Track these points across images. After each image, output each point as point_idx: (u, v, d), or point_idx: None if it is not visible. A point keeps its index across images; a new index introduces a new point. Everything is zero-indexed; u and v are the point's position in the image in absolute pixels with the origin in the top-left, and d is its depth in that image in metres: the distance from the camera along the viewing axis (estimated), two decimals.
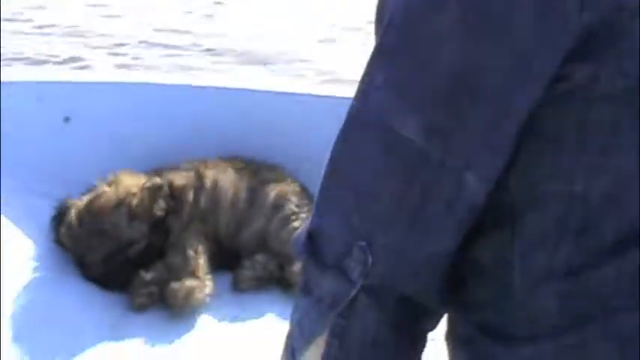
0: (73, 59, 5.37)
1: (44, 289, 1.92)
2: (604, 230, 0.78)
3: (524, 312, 0.81)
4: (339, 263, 0.82)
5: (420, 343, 0.91)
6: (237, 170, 2.26)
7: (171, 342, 1.87)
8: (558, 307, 0.79)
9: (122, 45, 5.76)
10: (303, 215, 2.17)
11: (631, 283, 0.78)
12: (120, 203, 2.05)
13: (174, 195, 2.15)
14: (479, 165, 0.76)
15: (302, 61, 5.41)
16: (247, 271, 2.12)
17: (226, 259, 2.15)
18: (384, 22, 0.79)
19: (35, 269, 1.97)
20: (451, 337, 0.92)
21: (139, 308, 1.97)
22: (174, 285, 1.97)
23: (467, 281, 0.86)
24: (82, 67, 5.18)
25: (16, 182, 2.21)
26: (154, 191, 2.10)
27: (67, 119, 2.38)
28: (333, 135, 0.84)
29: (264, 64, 5.38)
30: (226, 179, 2.23)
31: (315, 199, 0.87)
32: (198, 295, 1.97)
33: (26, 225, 2.08)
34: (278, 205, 2.20)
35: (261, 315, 2.00)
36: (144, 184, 2.10)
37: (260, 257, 2.14)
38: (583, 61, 0.73)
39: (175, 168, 2.24)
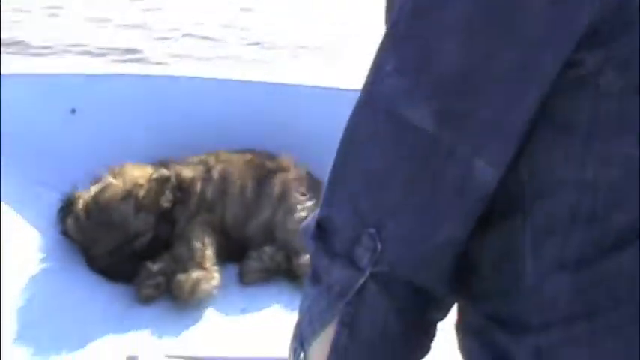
0: (130, 51, 5.38)
1: (51, 281, 1.92)
2: (615, 219, 0.77)
3: (534, 301, 0.80)
4: (348, 251, 0.81)
5: (429, 333, 0.91)
6: (246, 162, 2.26)
7: (178, 333, 1.87)
8: (569, 296, 0.79)
9: (166, 39, 5.75)
10: (309, 205, 2.16)
11: None
12: (127, 195, 2.04)
13: (182, 187, 2.15)
14: (489, 152, 0.76)
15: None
16: (254, 263, 2.11)
17: (233, 251, 2.15)
18: (394, 10, 0.79)
19: (42, 260, 1.97)
20: (461, 326, 0.91)
21: (146, 300, 1.96)
22: (181, 276, 1.96)
23: (477, 270, 0.86)
24: (138, 60, 5.18)
25: (22, 174, 2.21)
26: (161, 183, 2.10)
27: (73, 111, 2.38)
28: (341, 126, 0.83)
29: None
30: (234, 171, 2.22)
31: (324, 187, 0.86)
32: (205, 286, 1.96)
33: (33, 217, 2.08)
34: (284, 195, 2.20)
35: (268, 306, 2.00)
36: (151, 175, 2.10)
37: (267, 249, 2.13)
38: (594, 48, 0.73)
39: (183, 160, 2.23)
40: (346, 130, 0.83)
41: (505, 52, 0.72)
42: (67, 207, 2.09)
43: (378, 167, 0.80)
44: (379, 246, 0.79)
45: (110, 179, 2.09)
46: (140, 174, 2.11)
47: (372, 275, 0.80)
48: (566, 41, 0.72)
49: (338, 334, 0.84)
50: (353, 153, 0.83)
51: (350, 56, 4.81)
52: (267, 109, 2.43)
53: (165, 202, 2.10)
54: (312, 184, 2.25)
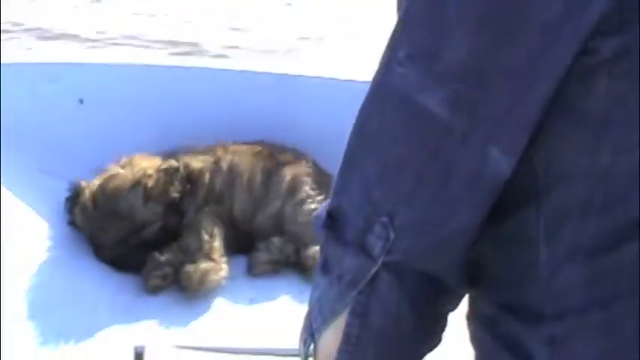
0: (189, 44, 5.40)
1: (58, 271, 1.92)
2: (629, 208, 0.76)
3: (549, 290, 0.79)
4: (360, 240, 0.81)
5: (441, 323, 0.90)
6: (255, 154, 2.25)
7: (186, 324, 1.86)
8: (583, 285, 0.78)
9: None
10: (319, 198, 2.15)
11: None
12: (135, 185, 2.04)
13: (191, 178, 2.14)
14: (503, 140, 0.75)
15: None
16: (263, 255, 2.11)
17: (242, 243, 2.14)
18: None
19: (49, 250, 1.97)
20: (472, 317, 0.90)
21: (153, 290, 1.96)
22: (189, 267, 1.96)
23: (489, 260, 0.85)
24: (197, 52, 5.18)
25: (30, 164, 2.21)
26: (169, 173, 2.09)
27: (81, 101, 2.38)
28: (350, 118, 0.83)
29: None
30: (243, 162, 2.21)
31: (334, 178, 0.86)
32: (214, 277, 1.96)
33: (40, 206, 2.08)
34: (293, 188, 2.19)
35: (276, 298, 1.99)
36: (159, 166, 2.10)
37: (276, 240, 2.13)
38: (609, 36, 0.72)
39: (192, 151, 2.23)
40: (357, 118, 0.82)
41: (518, 39, 0.71)
42: (74, 197, 2.08)
43: (389, 155, 0.79)
44: (392, 235, 0.78)
45: (118, 169, 2.08)
46: (149, 164, 2.10)
47: (385, 264, 0.80)
48: (580, 29, 0.71)
49: (349, 324, 0.83)
50: (364, 141, 0.82)
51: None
52: (276, 100, 2.42)
53: (174, 192, 2.09)
54: (320, 176, 2.24)
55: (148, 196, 2.04)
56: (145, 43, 5.36)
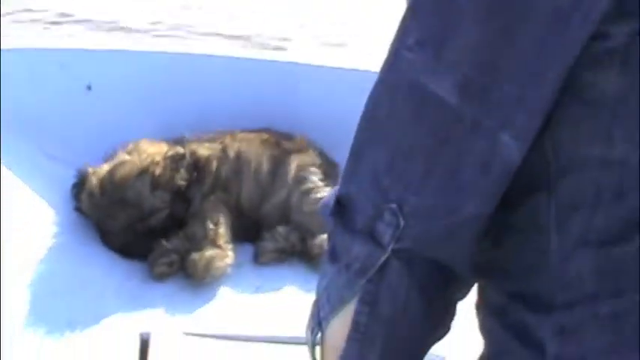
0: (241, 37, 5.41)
1: (64, 257, 1.92)
2: None
3: (559, 279, 0.78)
4: (369, 228, 0.80)
5: (450, 312, 0.90)
6: (262, 142, 2.24)
7: (192, 312, 1.86)
8: (594, 274, 0.77)
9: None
10: (325, 187, 2.15)
11: None
12: (142, 172, 2.03)
13: (197, 165, 2.14)
14: (514, 126, 0.74)
15: None
16: (269, 243, 2.10)
17: (248, 231, 2.14)
18: None
19: (55, 236, 1.97)
20: (482, 306, 0.90)
21: (159, 277, 1.96)
22: (195, 255, 1.96)
23: (499, 248, 0.84)
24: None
25: (37, 150, 2.21)
26: (176, 160, 2.09)
27: (89, 87, 2.37)
28: (359, 107, 0.82)
29: None
30: (250, 150, 2.21)
31: (342, 166, 0.85)
32: (219, 264, 1.96)
33: (47, 192, 2.08)
34: (300, 176, 2.19)
35: (282, 287, 1.99)
36: (166, 152, 2.09)
37: (282, 229, 2.12)
38: (621, 20, 0.71)
39: (199, 138, 2.22)
40: (366, 105, 0.82)
41: (529, 24, 0.71)
42: (81, 183, 2.08)
43: (399, 142, 0.79)
44: (401, 222, 0.78)
45: (125, 155, 2.08)
46: (155, 151, 2.10)
47: (394, 252, 0.79)
48: (592, 13, 0.70)
49: (358, 312, 0.83)
50: (373, 128, 0.81)
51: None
52: (283, 88, 2.42)
53: (181, 180, 2.08)
54: (327, 165, 2.24)
55: (155, 183, 2.03)
56: (194, 36, 5.35)
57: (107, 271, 1.95)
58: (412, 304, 0.83)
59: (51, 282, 1.82)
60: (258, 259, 2.09)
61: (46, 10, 5.50)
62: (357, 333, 0.84)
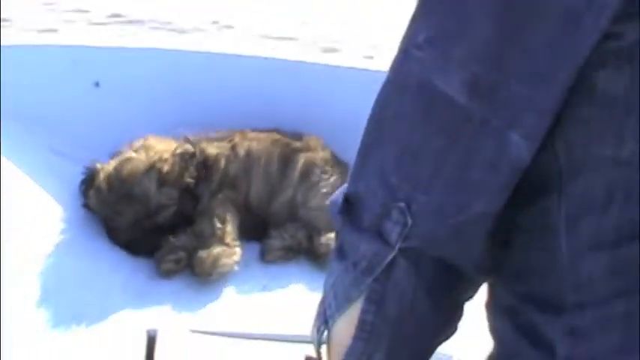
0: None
1: (71, 253, 1.92)
2: None
3: (569, 280, 0.78)
4: (377, 226, 0.80)
5: (457, 312, 0.89)
6: (273, 141, 2.25)
7: (198, 309, 1.86)
8: (605, 275, 0.76)
9: None
10: (331, 182, 2.15)
11: None
12: (150, 168, 2.03)
13: (206, 163, 2.14)
14: (523, 125, 0.74)
15: None
16: (275, 241, 2.10)
17: (256, 229, 2.14)
18: None
19: (62, 232, 1.97)
20: (491, 306, 0.89)
21: (166, 274, 1.96)
22: (202, 253, 1.96)
23: (508, 249, 0.84)
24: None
25: (45, 146, 2.22)
26: (185, 158, 2.09)
27: (97, 84, 2.38)
28: (368, 107, 0.82)
29: None
30: (260, 149, 2.21)
31: (351, 165, 0.85)
32: (226, 261, 1.96)
33: (54, 188, 2.08)
34: (306, 173, 2.19)
35: (289, 285, 1.99)
36: (175, 150, 2.09)
37: (289, 227, 2.12)
38: (633, 20, 0.70)
39: (208, 136, 2.22)
40: (375, 103, 0.82)
41: (540, 23, 0.70)
42: (89, 180, 2.08)
43: (408, 141, 0.78)
44: (409, 221, 0.78)
45: (133, 152, 2.08)
46: (164, 148, 2.10)
47: (402, 251, 0.79)
48: (604, 13, 0.69)
49: (364, 310, 0.82)
50: (382, 127, 0.81)
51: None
52: (293, 87, 2.41)
53: (189, 177, 2.09)
54: (336, 165, 2.23)
55: (163, 180, 2.03)
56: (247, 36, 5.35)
57: (114, 267, 1.95)
58: (419, 303, 0.82)
59: (58, 278, 1.82)
60: (264, 257, 2.09)
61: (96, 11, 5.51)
62: (363, 332, 0.83)
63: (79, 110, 2.33)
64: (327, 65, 2.46)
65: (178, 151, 2.09)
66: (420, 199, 0.77)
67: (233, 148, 2.20)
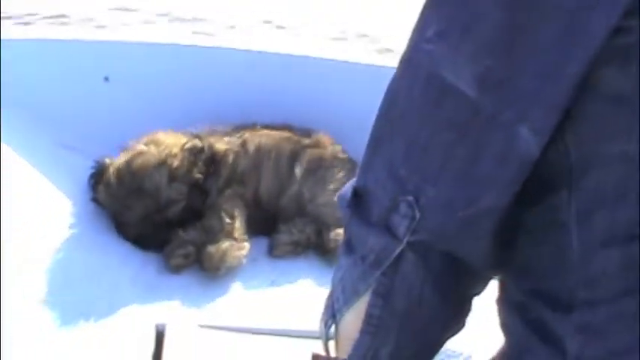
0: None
1: (80, 247, 1.92)
2: None
3: (580, 277, 0.77)
4: (385, 219, 0.80)
5: (465, 308, 0.89)
6: (283, 138, 2.25)
7: (207, 304, 1.86)
8: (617, 272, 0.76)
9: None
10: (340, 179, 2.14)
11: None
12: (160, 163, 2.03)
13: (215, 159, 2.14)
14: (533, 119, 0.73)
15: None
16: (284, 236, 2.10)
17: (265, 224, 2.14)
18: None
19: (71, 227, 1.97)
20: (502, 301, 0.89)
21: (175, 269, 1.96)
22: (211, 248, 1.96)
23: (518, 244, 0.83)
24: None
25: (54, 140, 2.22)
26: (194, 153, 2.09)
27: (106, 79, 2.38)
28: (378, 104, 0.82)
29: None
30: (269, 145, 2.21)
31: (362, 156, 0.85)
32: (235, 254, 1.96)
33: (64, 183, 2.08)
34: (316, 169, 2.18)
35: (297, 280, 1.99)
36: (184, 144, 2.09)
37: (297, 222, 2.12)
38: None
39: (217, 132, 2.22)
40: (385, 96, 0.82)
41: (550, 18, 0.70)
42: (98, 174, 2.08)
43: (417, 134, 0.78)
44: (417, 214, 0.77)
45: (143, 147, 2.08)
46: (173, 142, 2.10)
47: (410, 244, 0.79)
48: (615, 8, 0.69)
49: (372, 304, 0.82)
50: (391, 120, 0.81)
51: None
52: (302, 82, 2.41)
53: (198, 172, 2.08)
54: (345, 162, 2.23)
55: (172, 175, 2.03)
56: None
57: (123, 261, 1.95)
58: (427, 297, 0.82)
59: (67, 272, 1.82)
60: (273, 252, 2.09)
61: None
62: (371, 326, 0.83)
63: (89, 105, 2.33)
64: (335, 60, 2.45)
65: (187, 145, 2.09)
66: (429, 192, 0.77)
67: (243, 143, 2.20)
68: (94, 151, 2.14)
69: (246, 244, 2.01)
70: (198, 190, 2.09)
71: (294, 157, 2.21)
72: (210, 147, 2.14)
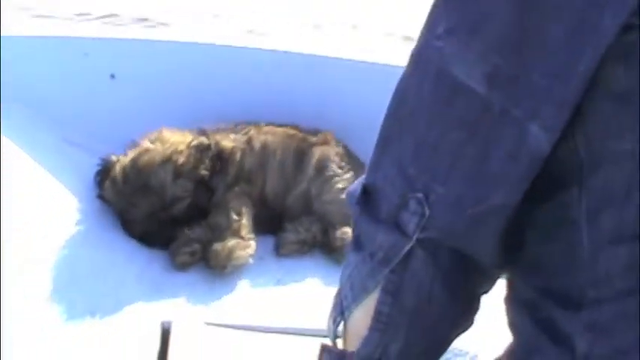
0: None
1: (86, 244, 1.92)
2: None
3: (589, 275, 0.77)
4: (394, 217, 0.80)
5: (473, 306, 0.89)
6: (289, 136, 2.24)
7: (212, 302, 1.86)
8: (627, 269, 0.76)
9: None
10: (346, 176, 2.14)
11: None
12: (166, 160, 2.03)
13: (221, 156, 2.14)
14: (543, 116, 0.73)
15: None
16: (290, 235, 2.10)
17: (271, 223, 2.14)
18: None
19: (77, 224, 1.97)
20: (511, 300, 0.89)
21: (181, 266, 1.96)
22: (217, 246, 1.96)
23: (527, 242, 0.83)
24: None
25: (60, 137, 2.22)
26: (200, 150, 2.09)
27: (112, 76, 2.38)
28: (385, 103, 0.82)
29: None
30: (275, 142, 2.21)
31: (368, 157, 0.85)
32: (241, 253, 1.95)
33: (69, 180, 2.08)
34: (321, 167, 2.18)
35: (304, 279, 1.98)
36: (190, 142, 2.09)
37: (304, 221, 2.12)
38: None
39: (223, 129, 2.22)
40: (394, 94, 0.82)
41: (560, 16, 0.70)
42: (104, 171, 2.08)
43: (427, 133, 0.78)
44: (427, 211, 0.77)
45: (149, 144, 2.08)
46: (179, 140, 2.10)
47: (419, 241, 0.78)
48: (624, 4, 0.69)
49: (381, 301, 0.82)
50: (401, 117, 0.81)
51: None
52: (308, 81, 2.41)
53: (204, 170, 2.08)
54: (350, 160, 2.22)
55: (178, 172, 2.03)
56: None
57: (129, 259, 1.95)
58: (436, 294, 0.82)
59: (72, 269, 1.82)
60: (279, 251, 2.09)
61: None
62: (380, 323, 0.83)
63: (95, 102, 2.34)
64: (341, 59, 2.45)
65: (193, 143, 2.09)
66: (438, 190, 0.77)
67: (249, 141, 2.20)
68: (99, 148, 2.15)
69: (253, 243, 2.00)
70: (204, 187, 2.09)
71: (299, 155, 2.21)
72: (217, 144, 2.14)
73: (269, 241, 2.11)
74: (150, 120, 2.19)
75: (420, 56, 0.79)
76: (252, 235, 2.02)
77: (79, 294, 1.77)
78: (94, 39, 2.45)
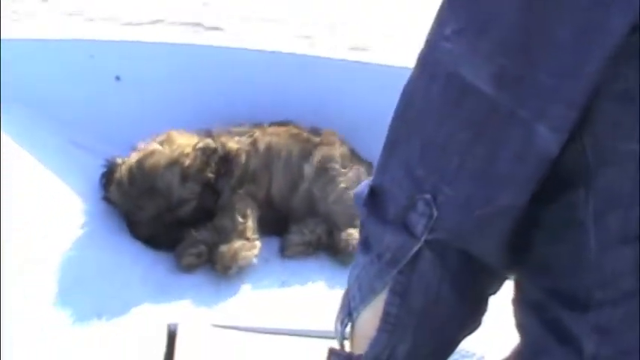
0: None
1: (92, 246, 1.92)
2: None
3: (597, 276, 0.77)
4: (402, 218, 0.80)
5: (481, 307, 0.89)
6: (292, 136, 2.24)
7: (217, 304, 1.85)
8: (634, 270, 0.76)
9: None
10: (350, 178, 2.14)
11: None
12: (172, 162, 2.03)
13: (227, 158, 2.13)
14: (551, 117, 0.73)
15: None
16: (295, 236, 2.10)
17: (277, 225, 2.14)
18: None
19: (83, 226, 1.97)
20: (519, 301, 0.89)
21: (187, 268, 1.96)
22: (223, 248, 1.96)
23: (535, 243, 0.83)
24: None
25: (66, 139, 2.23)
26: (206, 153, 2.09)
27: (117, 78, 2.38)
28: (391, 103, 0.82)
29: None
30: (280, 143, 2.21)
31: (372, 159, 0.85)
32: (246, 254, 1.95)
33: (75, 182, 2.08)
34: (325, 168, 2.18)
35: (309, 281, 1.98)
36: (196, 144, 2.09)
37: (309, 222, 2.12)
38: None
39: (228, 131, 2.22)
40: (402, 95, 0.82)
41: (567, 15, 0.70)
42: (109, 173, 2.08)
43: (435, 134, 0.78)
44: (435, 212, 0.77)
45: (155, 146, 2.08)
46: (185, 142, 2.09)
47: (427, 243, 0.79)
48: (631, 4, 0.69)
49: (389, 302, 0.82)
50: (409, 119, 0.81)
51: None
52: (312, 82, 2.41)
53: (210, 172, 2.08)
54: (355, 161, 2.22)
55: (184, 174, 2.03)
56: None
57: (134, 261, 1.95)
58: (444, 295, 0.82)
59: (78, 271, 1.82)
60: (284, 252, 2.09)
61: None
62: (388, 324, 0.83)
63: (100, 104, 2.34)
64: (344, 60, 2.45)
65: (200, 145, 2.09)
66: (446, 191, 0.77)
67: (253, 143, 2.20)
68: (105, 150, 2.15)
69: (258, 244, 2.00)
70: (210, 189, 2.09)
71: (304, 155, 2.21)
72: (223, 146, 2.14)
73: (274, 242, 2.11)
74: (155, 122, 2.19)
75: (427, 57, 0.79)
76: (257, 237, 2.02)
77: (85, 296, 1.76)
78: (99, 41, 2.45)
